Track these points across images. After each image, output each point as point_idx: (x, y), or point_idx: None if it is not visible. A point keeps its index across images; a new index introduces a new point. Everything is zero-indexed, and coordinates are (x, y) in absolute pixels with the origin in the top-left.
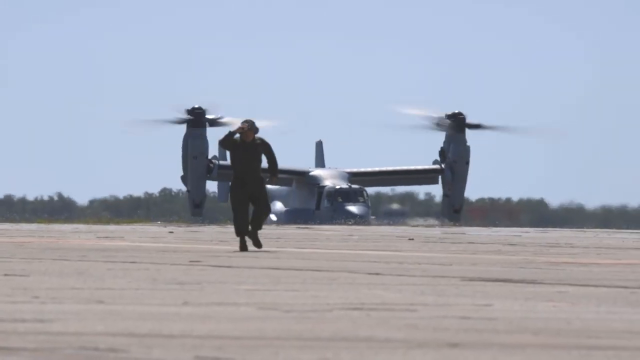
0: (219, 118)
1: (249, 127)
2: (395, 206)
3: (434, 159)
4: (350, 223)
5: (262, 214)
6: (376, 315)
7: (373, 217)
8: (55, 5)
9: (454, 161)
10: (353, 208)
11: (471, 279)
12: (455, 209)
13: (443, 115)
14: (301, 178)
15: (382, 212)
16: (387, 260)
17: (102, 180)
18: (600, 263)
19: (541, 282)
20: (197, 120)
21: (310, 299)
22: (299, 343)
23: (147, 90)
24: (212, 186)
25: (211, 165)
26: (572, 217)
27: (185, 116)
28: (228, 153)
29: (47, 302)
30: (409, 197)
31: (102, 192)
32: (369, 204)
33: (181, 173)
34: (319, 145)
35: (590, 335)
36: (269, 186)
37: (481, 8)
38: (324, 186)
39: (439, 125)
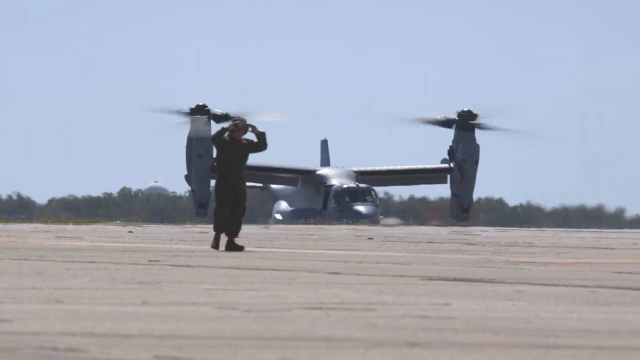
0: (224, 114)
1: (241, 126)
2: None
3: (442, 158)
4: (356, 222)
5: (241, 218)
6: (335, 314)
7: (381, 217)
8: (55, 5)
9: (463, 160)
10: (361, 208)
11: (430, 279)
12: (464, 209)
13: (452, 114)
14: (307, 177)
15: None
16: (346, 260)
17: (62, 180)
18: (559, 262)
19: (500, 282)
20: (200, 116)
21: (270, 299)
22: (258, 342)
23: (150, 87)
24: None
25: (215, 164)
26: (530, 216)
27: (188, 111)
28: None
29: (6, 302)
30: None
31: (62, 191)
32: (378, 204)
33: (184, 172)
34: (324, 144)
35: (549, 335)
36: (273, 186)
37: (482, 9)
38: (330, 185)
39: (448, 123)
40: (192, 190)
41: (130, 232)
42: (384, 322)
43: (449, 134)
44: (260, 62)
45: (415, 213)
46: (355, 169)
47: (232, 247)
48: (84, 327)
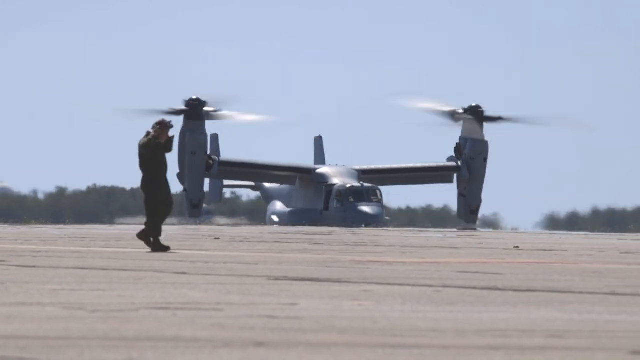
0: (217, 110)
1: (170, 126)
2: (204, 206)
3: (448, 156)
4: (362, 226)
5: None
6: (182, 314)
7: (388, 218)
8: (50, 4)
9: (471, 158)
10: (367, 208)
11: (277, 278)
12: (472, 210)
13: (459, 108)
14: (306, 176)
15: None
16: (193, 260)
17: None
18: (405, 262)
19: (347, 281)
20: (194, 112)
21: (116, 299)
22: (104, 343)
23: (144, 85)
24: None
25: (211, 161)
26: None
27: (182, 107)
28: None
29: None
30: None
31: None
32: (384, 204)
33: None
34: (319, 141)
35: (396, 334)
36: (266, 185)
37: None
38: (332, 184)
39: (454, 118)
40: (185, 190)
41: None
42: (231, 322)
43: (455, 131)
44: (255, 56)
45: (262, 213)
46: (357, 167)
47: (150, 244)
48: None
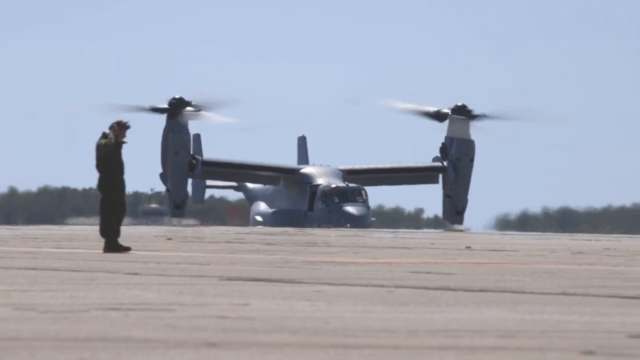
0: (198, 110)
1: (127, 127)
2: (153, 206)
3: (434, 156)
4: (347, 226)
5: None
6: (134, 315)
7: (374, 218)
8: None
9: (457, 158)
10: (352, 209)
11: (229, 279)
12: (458, 211)
13: (445, 108)
14: (290, 176)
15: (140, 212)
16: (145, 260)
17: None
18: (358, 262)
19: (299, 282)
20: (176, 111)
21: (68, 299)
22: (56, 344)
23: (129, 85)
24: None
25: (194, 161)
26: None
27: (164, 106)
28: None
29: None
30: (166, 197)
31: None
32: (369, 205)
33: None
34: (302, 141)
35: (348, 334)
36: (249, 185)
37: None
38: (317, 185)
39: (440, 117)
40: (168, 190)
41: None
42: (183, 322)
43: (440, 131)
44: (239, 58)
45: (215, 214)
46: (342, 167)
47: (115, 247)
48: None
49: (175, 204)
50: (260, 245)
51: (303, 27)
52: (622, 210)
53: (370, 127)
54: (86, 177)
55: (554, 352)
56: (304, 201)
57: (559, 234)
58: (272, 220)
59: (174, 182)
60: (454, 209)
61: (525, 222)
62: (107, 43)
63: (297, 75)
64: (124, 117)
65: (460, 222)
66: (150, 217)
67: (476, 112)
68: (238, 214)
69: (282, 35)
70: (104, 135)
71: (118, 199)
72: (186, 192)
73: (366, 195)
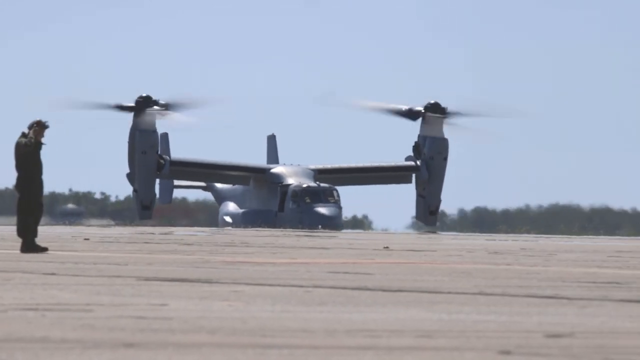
0: (167, 107)
1: (46, 127)
2: (70, 206)
3: (407, 155)
4: (319, 227)
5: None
6: (52, 315)
7: (346, 217)
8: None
9: (430, 157)
10: (323, 209)
11: (147, 279)
12: (432, 211)
13: (417, 106)
14: (260, 176)
15: (57, 212)
16: (62, 261)
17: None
18: (276, 262)
19: (217, 282)
20: (142, 110)
21: None
22: None
23: (92, 81)
24: None
25: (162, 161)
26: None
27: (131, 104)
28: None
29: None
30: (85, 197)
31: None
32: (341, 205)
33: (127, 170)
34: (272, 140)
35: (266, 334)
36: (218, 185)
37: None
38: (287, 185)
39: (413, 116)
40: (135, 191)
41: None
42: (100, 322)
43: (413, 129)
44: (206, 56)
45: (132, 213)
46: (313, 166)
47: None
48: None
49: (143, 205)
50: (178, 245)
51: (271, 25)
52: (539, 210)
53: (341, 126)
54: (2, 177)
55: (471, 352)
56: (274, 201)
57: (476, 234)
58: (242, 220)
59: (142, 183)
60: (427, 209)
61: (442, 223)
62: (88, 43)
63: (265, 74)
64: (87, 115)
65: (434, 222)
66: (67, 217)
67: (450, 109)
68: (156, 214)
69: (250, 34)
70: (24, 135)
71: (36, 199)
72: (154, 193)
73: (338, 195)
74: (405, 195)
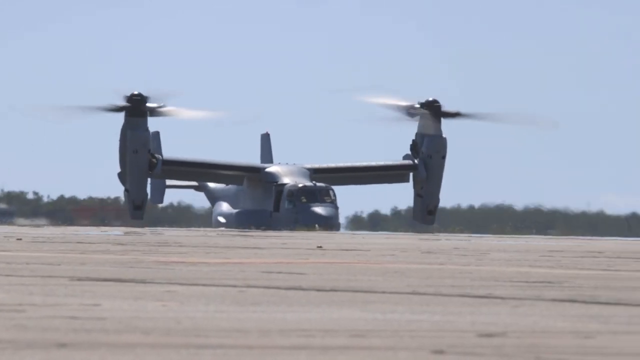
0: (160, 106)
1: None
2: (1, 206)
3: (404, 154)
4: (316, 227)
5: None
6: None
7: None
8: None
9: (428, 156)
10: (319, 209)
11: (80, 279)
12: (430, 210)
13: (415, 103)
14: (255, 175)
15: None
16: None
17: None
18: (209, 262)
19: (151, 282)
20: (136, 108)
21: None
22: None
23: (82, 79)
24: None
25: (154, 160)
26: (180, 216)
27: (123, 104)
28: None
29: None
30: (16, 197)
31: None
32: (337, 205)
33: (118, 169)
34: (266, 138)
35: (200, 334)
36: (211, 185)
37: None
38: (283, 184)
39: (410, 113)
40: (127, 190)
41: None
42: (33, 323)
43: (411, 127)
44: (196, 51)
45: (64, 214)
46: (308, 165)
47: None
48: None
49: (135, 205)
50: (111, 245)
51: (268, 21)
52: (471, 210)
53: (337, 124)
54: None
55: (405, 351)
56: (269, 201)
57: (409, 233)
58: (236, 221)
59: (133, 182)
60: (425, 209)
61: (376, 222)
62: (44, 39)
63: (260, 71)
64: (81, 119)
65: (432, 222)
66: None
67: (448, 109)
68: (87, 214)
69: (248, 34)
70: None
71: None
72: (146, 193)
73: (334, 195)
74: (405, 195)
